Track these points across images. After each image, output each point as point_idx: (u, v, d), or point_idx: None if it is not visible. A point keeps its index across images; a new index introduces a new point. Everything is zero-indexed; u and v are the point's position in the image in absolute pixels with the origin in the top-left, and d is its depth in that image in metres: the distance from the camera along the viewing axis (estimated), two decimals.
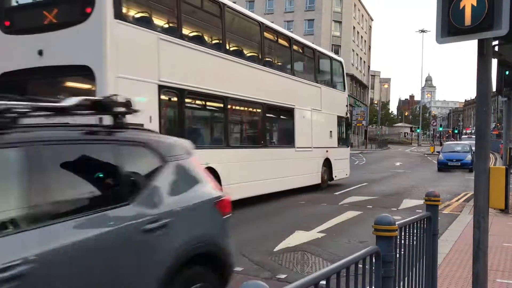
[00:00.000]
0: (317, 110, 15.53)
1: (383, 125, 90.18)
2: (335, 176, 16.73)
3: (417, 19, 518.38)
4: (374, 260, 2.74)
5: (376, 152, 50.86)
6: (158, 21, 9.56)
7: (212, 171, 9.55)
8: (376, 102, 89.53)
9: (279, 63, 14.32)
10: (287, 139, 14.15)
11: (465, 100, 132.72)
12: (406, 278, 3.44)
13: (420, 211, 10.13)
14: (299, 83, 14.59)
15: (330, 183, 16.53)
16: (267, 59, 13.08)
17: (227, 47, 11.28)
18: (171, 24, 9.71)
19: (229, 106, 11.16)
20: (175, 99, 9.42)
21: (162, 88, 8.90)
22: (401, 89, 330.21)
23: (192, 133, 10.06)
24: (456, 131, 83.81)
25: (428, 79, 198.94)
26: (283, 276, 5.72)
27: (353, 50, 63.76)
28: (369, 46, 76.35)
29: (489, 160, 3.95)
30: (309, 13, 60.10)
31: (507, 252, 6.90)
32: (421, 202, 11.43)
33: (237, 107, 11.84)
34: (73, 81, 8.81)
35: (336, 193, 14.79)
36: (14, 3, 9.36)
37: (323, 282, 2.06)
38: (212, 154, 10.15)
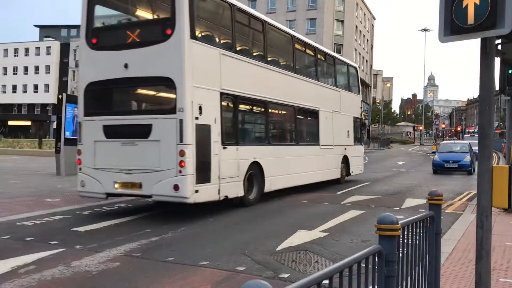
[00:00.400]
0: (337, 112, 17.03)
1: (386, 124, 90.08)
2: (352, 172, 18.35)
3: (419, 18, 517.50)
4: (376, 260, 2.74)
5: (378, 151, 50.81)
6: (219, 39, 11.18)
7: (257, 164, 11.64)
8: (378, 101, 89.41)
9: (307, 70, 15.88)
10: (313, 137, 15.60)
11: (468, 99, 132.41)
12: (409, 278, 3.43)
13: (423, 210, 10.11)
14: (322, 88, 16.17)
15: (346, 178, 17.91)
16: (297, 66, 14.44)
17: (268, 58, 12.70)
18: (228, 41, 11.21)
19: (269, 109, 12.73)
20: (231, 104, 10.94)
21: (222, 95, 10.43)
22: (403, 88, 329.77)
23: (242, 132, 11.64)
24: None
25: (431, 78, 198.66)
26: (285, 275, 5.72)
27: (355, 49, 63.69)
28: (372, 45, 76.24)
29: (492, 159, 3.93)
30: (311, 12, 60.07)
31: (510, 252, 6.88)
32: (424, 201, 11.42)
33: (275, 110, 13.38)
34: (155, 90, 10.50)
35: (339, 193, 14.78)
36: (99, 24, 11.04)
37: (326, 281, 2.05)
38: (257, 150, 11.85)
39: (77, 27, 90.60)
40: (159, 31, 9.78)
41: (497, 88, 8.85)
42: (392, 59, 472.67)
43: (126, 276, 5.69)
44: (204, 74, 9.87)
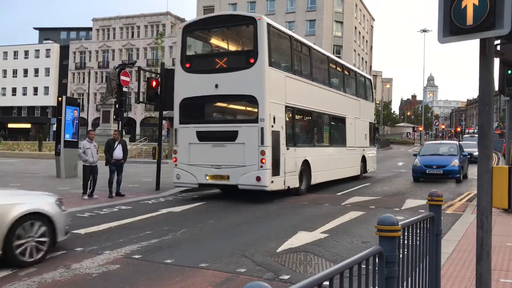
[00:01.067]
0: (357, 118, 19.95)
1: (385, 125, 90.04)
2: (368, 170, 21.29)
3: (418, 19, 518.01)
4: (377, 261, 2.74)
5: (378, 152, 50.53)
6: (283, 64, 13.95)
7: (306, 162, 14.43)
8: (378, 102, 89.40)
9: (336, 84, 18.54)
10: (342, 140, 18.38)
11: (468, 99, 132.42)
12: (409, 278, 3.43)
13: (423, 211, 10.11)
14: (348, 98, 19.18)
15: (364, 175, 20.80)
16: (331, 81, 17.51)
17: (312, 76, 15.60)
18: (288, 64, 14.09)
19: (314, 118, 15.72)
20: (291, 114, 13.81)
21: (286, 108, 13.39)
22: (403, 89, 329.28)
23: (298, 136, 14.45)
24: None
25: (430, 79, 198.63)
26: (286, 277, 5.72)
27: (354, 50, 63.72)
28: (371, 46, 76.29)
29: (492, 160, 3.93)
30: (310, 14, 60.12)
31: (511, 252, 6.88)
32: (424, 202, 11.41)
33: (317, 118, 16.31)
34: (241, 105, 13.65)
35: (339, 194, 14.78)
36: (192, 52, 14.28)
37: (327, 282, 2.05)
38: (307, 151, 14.69)
39: (76, 29, 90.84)
40: (244, 60, 12.85)
41: (496, 88, 8.87)
42: (392, 60, 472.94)
43: (126, 278, 5.68)
44: (276, 92, 12.80)
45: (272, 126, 12.34)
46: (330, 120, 17.31)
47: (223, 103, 13.59)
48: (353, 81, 20.62)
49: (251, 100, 12.52)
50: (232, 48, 14.55)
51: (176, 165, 13.19)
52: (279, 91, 12.95)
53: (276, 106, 12.69)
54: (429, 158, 19.13)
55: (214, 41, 14.94)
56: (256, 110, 12.30)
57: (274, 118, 12.44)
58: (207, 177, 12.61)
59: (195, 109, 13.49)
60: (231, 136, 12.40)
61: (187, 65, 13.42)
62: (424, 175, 18.68)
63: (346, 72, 19.60)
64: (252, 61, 12.34)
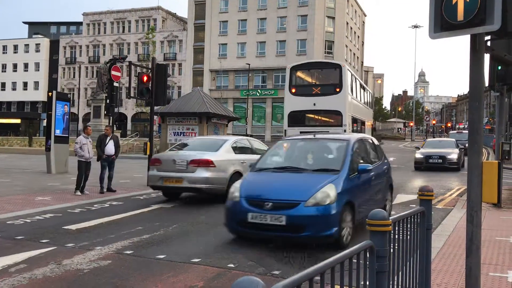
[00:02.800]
0: (367, 121, 27.68)
1: (377, 121, 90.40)
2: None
3: (410, 15, 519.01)
4: (368, 255, 2.75)
5: None
6: (350, 90, 21.98)
7: None
8: None
9: (362, 98, 26.73)
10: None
11: (458, 95, 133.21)
12: (400, 273, 3.45)
13: (414, 206, 10.17)
14: (367, 108, 27.92)
15: None
16: (360, 96, 25.91)
17: (355, 94, 23.97)
18: (350, 89, 21.93)
19: (356, 122, 23.64)
20: (351, 120, 21.63)
21: (352, 117, 21.71)
22: (394, 85, 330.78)
23: (355, 132, 21.32)
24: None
25: (421, 75, 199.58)
26: (277, 272, 5.73)
27: (346, 46, 63.82)
28: (362, 42, 76.43)
29: (482, 155, 3.97)
30: (302, 9, 60.08)
31: (500, 246, 6.95)
32: (415, 197, 11.49)
33: (359, 122, 24.40)
34: (331, 115, 21.21)
35: None
36: (296, 83, 21.94)
37: (318, 277, 2.06)
38: None
39: (66, 24, 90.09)
40: (332, 89, 20.85)
41: (486, 84, 8.92)
42: (383, 55, 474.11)
43: (117, 274, 5.67)
44: (349, 108, 21.17)
45: (347, 128, 20.51)
46: (362, 124, 25.38)
47: (317, 115, 21.98)
48: (368, 94, 30.13)
49: (337, 113, 20.76)
50: (324, 81, 22.85)
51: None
52: (350, 107, 21.50)
53: (349, 116, 21.12)
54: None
55: (311, 76, 23.35)
56: (340, 118, 20.61)
57: (348, 123, 20.70)
58: None
59: (299, 118, 21.48)
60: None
61: (293, 91, 21.54)
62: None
63: (366, 89, 29.94)
64: (338, 90, 20.81)
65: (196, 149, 11.94)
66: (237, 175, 11.14)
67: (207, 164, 10.99)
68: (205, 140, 13.79)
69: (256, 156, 10.86)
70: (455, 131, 53.20)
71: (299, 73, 22.47)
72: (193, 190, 11.20)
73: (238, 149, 12.37)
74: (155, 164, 11.66)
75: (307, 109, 21.25)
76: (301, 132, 17.57)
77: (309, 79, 23.28)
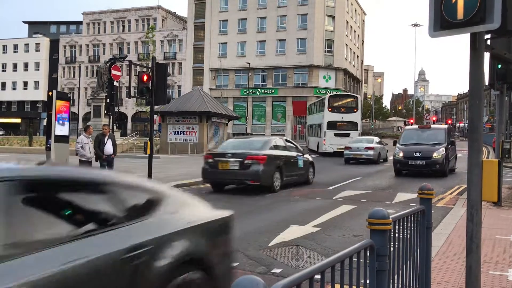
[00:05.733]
0: (359, 126, 35.05)
1: (377, 119, 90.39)
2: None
3: (410, 13, 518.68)
4: (368, 254, 2.75)
5: None
6: (360, 110, 37.31)
7: None
8: (369, 96, 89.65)
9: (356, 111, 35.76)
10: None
11: (458, 93, 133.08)
12: (400, 271, 3.46)
13: (414, 204, 10.18)
14: (359, 117, 35.14)
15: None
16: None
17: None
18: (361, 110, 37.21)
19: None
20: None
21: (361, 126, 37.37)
22: (394, 83, 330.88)
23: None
24: None
25: (421, 73, 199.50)
26: (278, 270, 5.74)
27: (346, 45, 63.76)
28: (362, 41, 76.36)
29: (482, 153, 3.97)
30: (302, 8, 60.01)
31: (500, 244, 6.95)
32: (415, 195, 11.49)
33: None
34: (350, 123, 34.06)
35: (330, 188, 14.84)
36: (330, 104, 34.63)
37: (318, 276, 2.07)
38: None
39: (66, 23, 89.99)
40: (352, 109, 34.42)
41: (486, 83, 8.91)
42: (383, 54, 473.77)
43: None
44: (361, 120, 36.56)
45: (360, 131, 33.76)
46: (360, 126, 35.39)
47: (343, 123, 33.53)
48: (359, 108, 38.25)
49: (354, 123, 33.73)
50: (348, 104, 35.15)
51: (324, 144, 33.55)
52: (361, 120, 35.94)
53: (360, 125, 34.46)
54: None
55: (340, 101, 35.72)
56: (357, 124, 33.84)
57: (359, 129, 34.00)
58: (336, 148, 32.00)
59: (334, 124, 33.44)
60: (348, 134, 32.44)
61: (330, 109, 33.83)
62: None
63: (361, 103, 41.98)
64: (355, 110, 34.37)
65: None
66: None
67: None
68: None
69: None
70: (414, 127, 27.84)
71: (331, 100, 34.98)
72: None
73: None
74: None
75: (338, 120, 33.64)
76: (335, 134, 33.15)
77: (339, 103, 35.31)
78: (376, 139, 30.08)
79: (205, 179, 13.92)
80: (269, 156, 13.18)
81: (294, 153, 14.89)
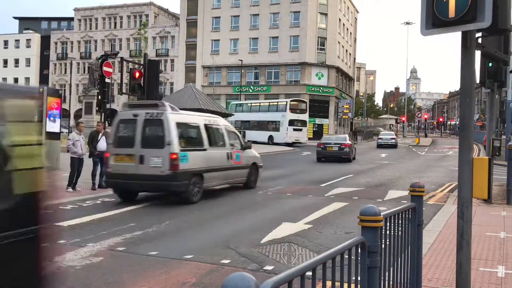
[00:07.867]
0: (307, 123, 43.95)
1: (369, 117, 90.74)
2: None
3: (402, 11, 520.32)
4: (359, 251, 2.77)
5: (361, 143, 51.14)
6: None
7: None
8: (361, 94, 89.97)
9: None
10: None
11: (450, 91, 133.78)
12: (391, 268, 3.48)
13: (405, 202, 10.21)
14: (307, 117, 43.61)
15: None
16: None
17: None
18: None
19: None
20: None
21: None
22: (386, 81, 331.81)
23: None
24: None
25: (413, 71, 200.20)
26: (270, 267, 5.75)
27: (338, 42, 63.84)
28: (355, 38, 76.51)
29: (473, 151, 3.99)
30: (294, 5, 59.96)
31: (490, 241, 7.01)
32: (406, 193, 11.54)
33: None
34: (303, 122, 42.84)
35: (322, 185, 14.87)
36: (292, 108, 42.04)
37: (309, 273, 2.07)
38: None
39: (57, 19, 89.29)
40: (304, 111, 43.25)
41: (477, 81, 8.96)
42: (375, 52, 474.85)
43: (110, 270, 5.66)
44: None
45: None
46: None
47: (298, 121, 41.65)
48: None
49: (305, 121, 42.88)
50: (301, 106, 43.03)
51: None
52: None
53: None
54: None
55: (297, 104, 42.94)
56: (306, 122, 43.17)
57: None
58: (294, 139, 40.17)
59: (292, 122, 40.79)
60: (301, 129, 41.58)
61: (290, 111, 40.86)
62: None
63: None
64: (305, 112, 43.60)
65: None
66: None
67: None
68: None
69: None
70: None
71: (292, 102, 41.85)
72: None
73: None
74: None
75: (295, 119, 40.63)
76: (294, 129, 39.47)
77: (296, 105, 42.22)
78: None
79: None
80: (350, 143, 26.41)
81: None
